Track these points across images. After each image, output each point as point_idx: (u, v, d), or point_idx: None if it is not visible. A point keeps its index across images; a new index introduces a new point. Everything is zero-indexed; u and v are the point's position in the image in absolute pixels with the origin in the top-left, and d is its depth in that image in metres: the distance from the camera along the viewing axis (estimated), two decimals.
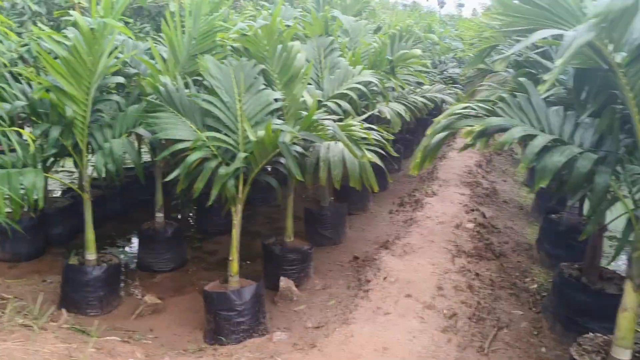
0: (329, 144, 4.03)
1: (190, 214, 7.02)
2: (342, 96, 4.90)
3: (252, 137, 3.70)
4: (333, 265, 5.20)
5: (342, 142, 3.47)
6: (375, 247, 5.45)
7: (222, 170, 3.71)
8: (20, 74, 4.20)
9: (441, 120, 3.25)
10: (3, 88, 3.98)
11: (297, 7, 8.55)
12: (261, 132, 3.61)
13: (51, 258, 5.38)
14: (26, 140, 3.65)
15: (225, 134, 3.92)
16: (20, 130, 3.30)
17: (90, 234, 4.36)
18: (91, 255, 4.38)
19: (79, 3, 5.54)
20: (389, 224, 6.19)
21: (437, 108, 7.81)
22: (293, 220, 4.92)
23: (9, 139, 3.55)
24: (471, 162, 8.05)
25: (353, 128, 3.54)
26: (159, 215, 5.25)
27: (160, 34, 6.04)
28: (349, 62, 5.29)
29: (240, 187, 3.88)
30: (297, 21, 6.89)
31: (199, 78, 4.76)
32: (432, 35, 7.23)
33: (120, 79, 4.43)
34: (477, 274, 4.73)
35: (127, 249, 5.97)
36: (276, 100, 4.08)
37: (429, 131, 3.34)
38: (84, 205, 4.33)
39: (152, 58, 4.67)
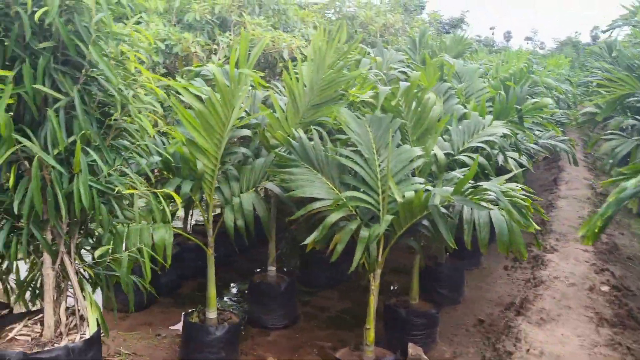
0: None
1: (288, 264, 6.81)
2: (473, 149, 4.60)
3: (398, 198, 3.44)
4: (457, 328, 4.81)
5: (506, 210, 3.14)
6: (500, 310, 5.02)
7: (365, 232, 3.45)
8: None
9: (628, 186, 2.89)
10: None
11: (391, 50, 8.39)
12: (409, 193, 3.34)
13: (160, 309, 5.26)
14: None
15: (364, 192, 3.68)
16: (170, 192, 3.18)
17: (212, 291, 4.19)
18: (212, 313, 4.20)
19: (195, 53, 5.55)
20: (507, 282, 5.75)
21: None
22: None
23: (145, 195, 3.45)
24: (584, 212, 7.47)
25: (514, 194, 3.21)
26: (272, 269, 5.04)
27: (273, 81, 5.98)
28: (473, 110, 4.99)
29: (380, 251, 3.62)
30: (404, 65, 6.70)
31: (317, 128, 4.60)
32: (549, 80, 6.86)
33: (247, 132, 4.31)
34: (628, 348, 4.22)
35: (232, 298, 5.80)
36: (418, 157, 3.82)
37: (611, 198, 2.98)
38: (208, 261, 4.19)
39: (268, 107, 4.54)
